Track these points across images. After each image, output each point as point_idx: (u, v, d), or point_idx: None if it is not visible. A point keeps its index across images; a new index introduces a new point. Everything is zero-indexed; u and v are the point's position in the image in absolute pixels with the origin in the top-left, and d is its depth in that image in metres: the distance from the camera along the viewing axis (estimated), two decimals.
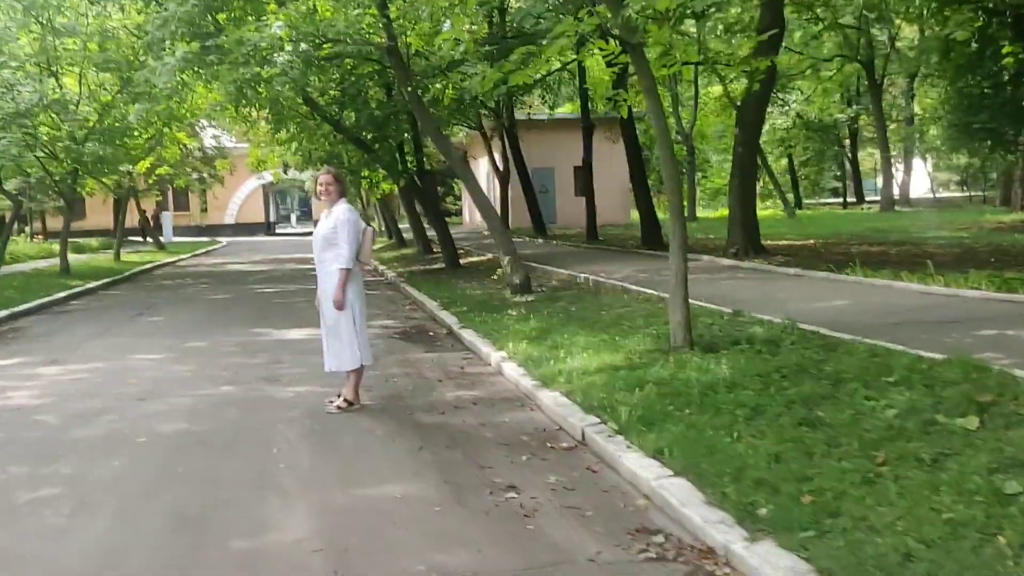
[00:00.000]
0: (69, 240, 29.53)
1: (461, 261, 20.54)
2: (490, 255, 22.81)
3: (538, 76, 17.99)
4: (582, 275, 15.18)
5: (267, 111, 22.05)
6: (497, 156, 34.71)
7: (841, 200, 55.19)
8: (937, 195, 59.47)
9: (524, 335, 9.59)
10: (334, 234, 7.18)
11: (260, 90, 19.50)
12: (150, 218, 47.67)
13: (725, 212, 44.85)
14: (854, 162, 53.50)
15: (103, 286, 20.63)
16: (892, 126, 45.99)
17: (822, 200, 60.69)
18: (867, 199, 54.68)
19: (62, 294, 17.91)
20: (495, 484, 5.26)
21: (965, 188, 66.25)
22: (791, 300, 11.11)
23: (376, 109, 18.77)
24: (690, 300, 10.89)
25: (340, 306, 7.19)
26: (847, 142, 52.19)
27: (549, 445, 6.05)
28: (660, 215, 26.31)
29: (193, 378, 8.94)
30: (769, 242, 21.83)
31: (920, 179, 68.38)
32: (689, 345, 7.88)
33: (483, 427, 6.61)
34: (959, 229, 23.87)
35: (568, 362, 7.88)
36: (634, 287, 12.93)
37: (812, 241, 21.51)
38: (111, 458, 6.13)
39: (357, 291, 7.35)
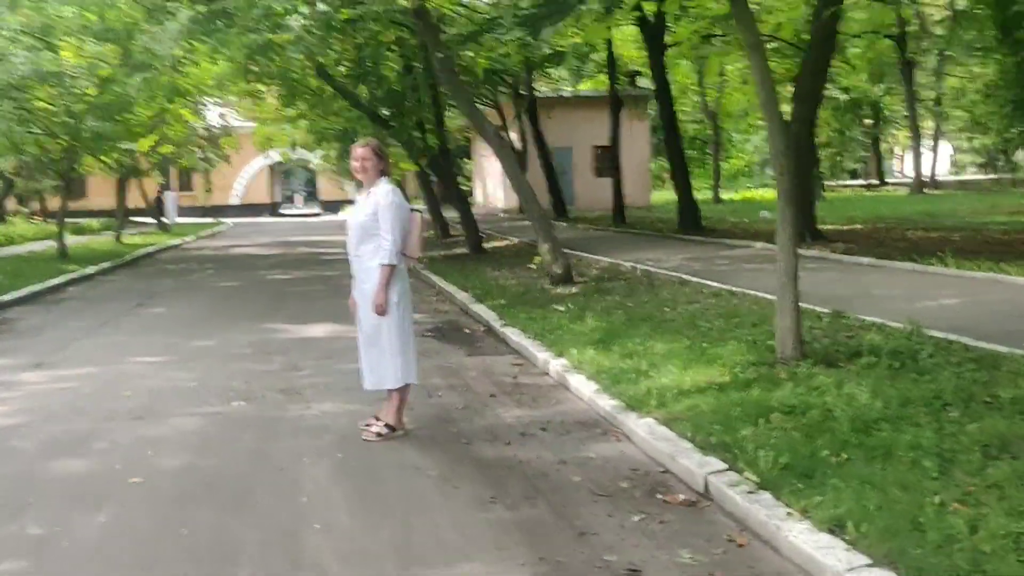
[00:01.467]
0: (69, 221, 28.26)
1: (484, 245, 19.13)
2: (515, 239, 21.43)
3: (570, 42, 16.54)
4: (627, 263, 13.80)
5: (277, 84, 20.69)
6: (514, 135, 33.29)
7: (863, 182, 53.59)
8: (960, 177, 57.79)
9: (585, 338, 8.22)
10: (374, 222, 5.79)
11: (272, 59, 18.14)
12: (161, 199, 46.51)
13: (747, 194, 43.53)
14: (875, 143, 51.95)
15: (102, 271, 19.26)
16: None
17: (841, 182, 59.12)
18: (888, 182, 53.24)
19: (57, 280, 16.55)
20: (609, 565, 3.89)
21: (987, 170, 64.82)
22: (889, 297, 9.74)
23: (395, 83, 17.32)
24: (764, 295, 9.56)
25: (381, 311, 5.82)
26: (868, 122, 50.69)
27: (661, 497, 4.67)
28: (664, 197, 25.10)
29: (199, 389, 7.58)
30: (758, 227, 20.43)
31: (941, 161, 67.00)
32: (800, 356, 6.50)
33: (564, 466, 5.24)
34: (1013, 212, 22.42)
35: (654, 377, 6.51)
36: (693, 278, 11.55)
37: (859, 226, 20.08)
38: (95, 510, 4.77)
39: (402, 293, 5.96)
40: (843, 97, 42.47)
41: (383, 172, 5.93)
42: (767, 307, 9.09)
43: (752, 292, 10.00)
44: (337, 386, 7.52)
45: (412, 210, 5.98)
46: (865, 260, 12.83)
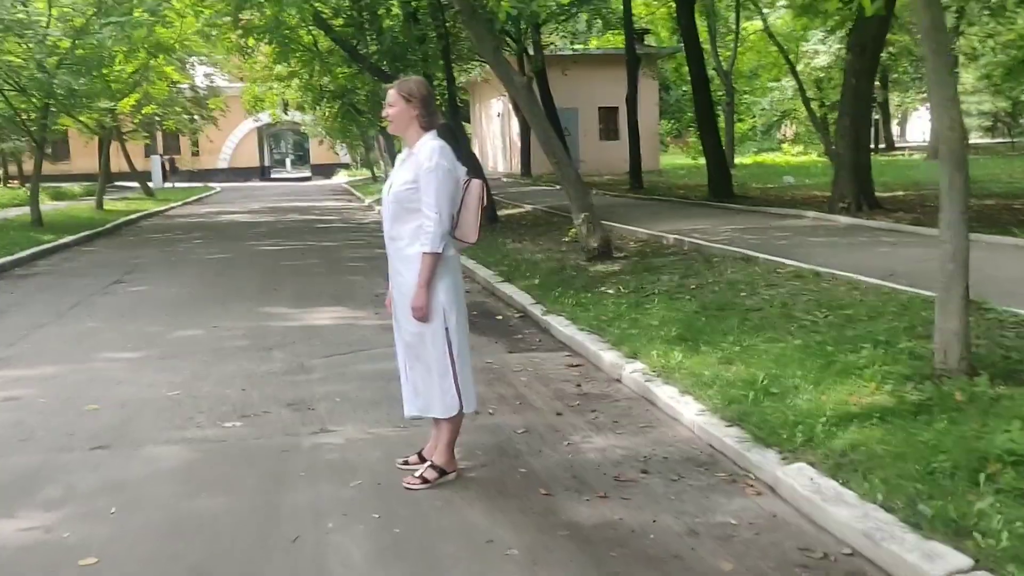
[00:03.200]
0: (49, 186, 26.47)
1: (498, 213, 17.49)
2: (528, 206, 19.82)
3: None
4: (668, 235, 12.20)
5: (267, 40, 18.92)
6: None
7: (872, 146, 51.92)
8: (971, 141, 56.14)
9: (658, 332, 6.67)
10: (413, 193, 4.21)
11: (262, 5, 16.39)
12: (165, 162, 45.22)
13: (756, 158, 41.86)
14: (885, 106, 50.21)
15: (79, 240, 17.60)
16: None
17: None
18: (898, 146, 51.62)
19: (27, 252, 14.91)
20: None
21: (993, 134, 63.18)
22: (1018, 280, 8.17)
23: (399, 33, 15.59)
24: (861, 277, 8.03)
25: (422, 315, 4.26)
26: (875, 84, 48.86)
27: None
28: (682, 161, 23.33)
29: (183, 400, 6.00)
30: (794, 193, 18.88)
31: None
32: (970, 369, 4.95)
33: (698, 540, 3.70)
34: None
35: (779, 394, 4.96)
36: (756, 254, 9.98)
37: (900, 193, 18.51)
38: None
39: (453, 290, 4.37)
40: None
41: (426, 124, 4.32)
42: (871, 294, 7.55)
43: (842, 273, 8.43)
44: (358, 397, 5.97)
45: (468, 176, 4.38)
46: None
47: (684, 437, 4.96)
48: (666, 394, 5.43)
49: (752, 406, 4.85)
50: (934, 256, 5.17)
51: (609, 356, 6.41)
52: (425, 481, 4.36)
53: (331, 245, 16.05)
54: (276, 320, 8.87)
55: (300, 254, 14.76)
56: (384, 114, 4.33)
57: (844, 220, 13.31)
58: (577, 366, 6.67)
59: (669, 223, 13.94)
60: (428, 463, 4.44)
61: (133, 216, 23.75)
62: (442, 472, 4.41)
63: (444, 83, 16.56)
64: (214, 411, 5.74)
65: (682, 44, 37.87)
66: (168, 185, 43.24)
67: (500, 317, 8.74)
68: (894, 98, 58.33)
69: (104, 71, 20.59)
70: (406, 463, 4.61)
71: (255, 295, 10.51)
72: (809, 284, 8.15)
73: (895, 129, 72.84)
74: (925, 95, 60.71)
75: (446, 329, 4.28)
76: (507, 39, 26.37)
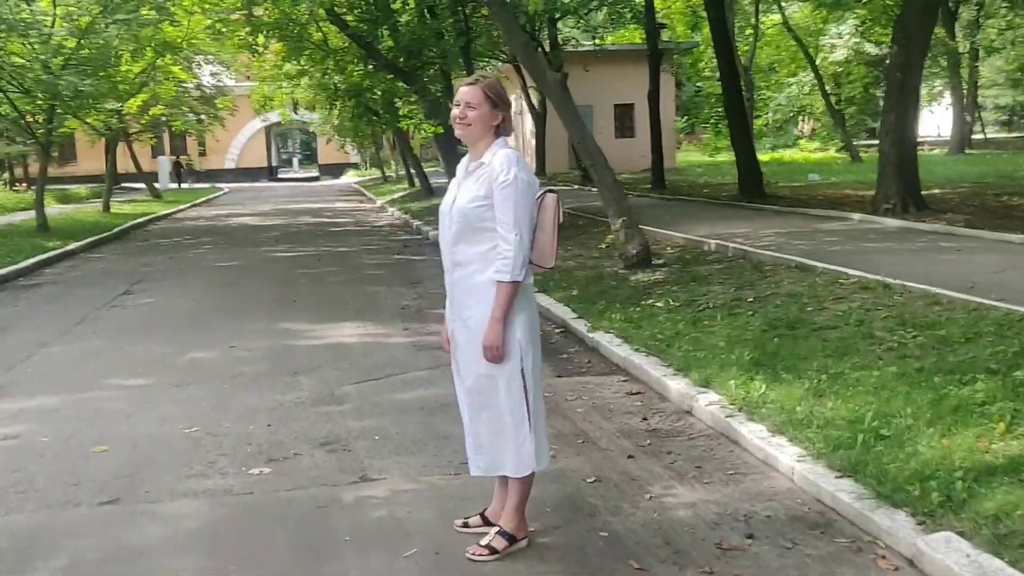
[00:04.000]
0: (56, 188, 25.83)
1: None
2: None
3: None
4: (707, 240, 11.51)
5: (277, 37, 18.28)
6: (533, 94, 30.90)
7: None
8: (988, 136, 55.24)
9: (727, 355, 5.99)
10: (486, 210, 3.54)
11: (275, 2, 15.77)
12: (183, 164, 44.95)
13: (774, 155, 41.06)
14: None
15: (86, 247, 16.99)
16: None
17: (862, 142, 56.50)
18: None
19: (32, 260, 14.30)
20: None
21: (1009, 129, 62.24)
22: None
23: (417, 28, 14.91)
24: (938, 290, 7.34)
25: (496, 355, 3.58)
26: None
27: None
28: (697, 158, 22.56)
29: (202, 440, 5.34)
30: (828, 191, 18.20)
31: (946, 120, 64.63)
32: None
33: None
34: None
35: (893, 438, 4.28)
36: (811, 262, 9.28)
37: (936, 191, 17.77)
38: None
39: (530, 325, 3.70)
40: (875, 51, 39.89)
41: (500, 129, 3.65)
42: (958, 310, 6.84)
43: (914, 285, 7.72)
44: (399, 435, 5.31)
45: (545, 191, 3.71)
46: (1016, 237, 10.49)
47: (784, 489, 4.28)
48: (753, 433, 4.75)
49: (863, 452, 4.18)
50: (1013, 265, 4.48)
51: (676, 384, 5.74)
52: (493, 551, 3.69)
53: (347, 251, 15.40)
54: (298, 338, 8.21)
55: (316, 261, 14.11)
56: (456, 116, 3.63)
57: (892, 222, 12.59)
58: (637, 394, 5.99)
59: (704, 226, 13.24)
60: (496, 529, 3.77)
61: (141, 220, 23.12)
62: (512, 539, 3.73)
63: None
64: (238, 453, 5.08)
65: (697, 38, 37.47)
66: (185, 186, 43.03)
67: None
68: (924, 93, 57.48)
69: (110, 71, 19.95)
70: (466, 525, 3.95)
71: (272, 308, 9.86)
72: (881, 298, 7.45)
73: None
74: (939, 89, 59.98)
75: (522, 371, 3.61)
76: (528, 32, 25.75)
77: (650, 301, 8.21)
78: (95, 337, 8.58)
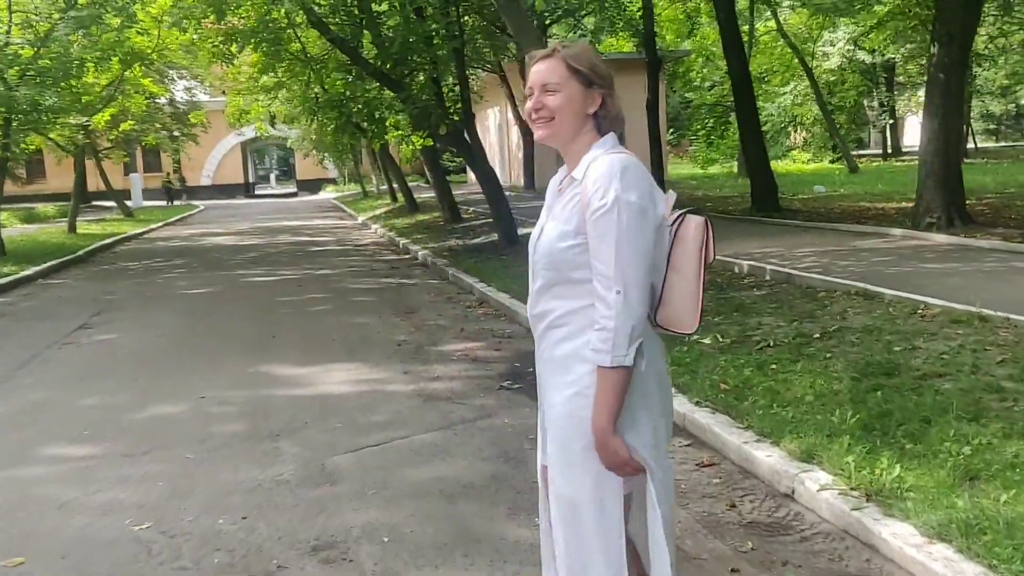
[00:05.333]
0: (21, 207, 24.47)
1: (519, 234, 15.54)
2: None
3: None
4: (741, 261, 10.28)
5: (252, 45, 16.97)
6: (520, 104, 29.73)
7: (876, 152, 50.29)
8: (977, 145, 54.60)
9: (822, 415, 4.74)
10: (579, 252, 2.30)
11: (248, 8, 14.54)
12: (174, 181, 43.77)
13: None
14: (892, 110, 48.45)
15: (46, 271, 15.63)
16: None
17: (853, 152, 55.61)
18: (905, 151, 49.91)
19: None
20: None
21: (997, 138, 61.62)
22: None
23: (405, 31, 13.66)
24: None
25: (612, 459, 2.29)
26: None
27: None
28: (687, 170, 21.42)
29: (155, 543, 4.04)
30: (902, 204, 17.11)
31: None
32: None
33: None
34: None
35: None
36: (873, 287, 8.08)
37: (970, 201, 16.66)
38: None
39: (651, 426, 2.37)
40: (869, 59, 39.04)
41: (601, 120, 2.39)
42: None
43: (1018, 317, 6.52)
44: (414, 534, 4.03)
45: (684, 214, 2.42)
46: None
47: None
48: (899, 538, 3.51)
49: None
50: None
51: (765, 455, 4.48)
52: None
53: (331, 273, 14.10)
54: (279, 385, 6.91)
55: (297, 286, 12.79)
56: (531, 109, 2.37)
57: (940, 238, 11.40)
58: (711, 466, 4.74)
59: (725, 244, 12.02)
60: None
61: (108, 240, 21.71)
62: None
63: (456, 88, 14.67)
64: (203, 566, 3.78)
65: (687, 46, 36.40)
66: (179, 203, 42.02)
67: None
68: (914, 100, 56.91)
69: (73, 83, 18.58)
70: None
71: (249, 345, 8.55)
72: (983, 334, 6.24)
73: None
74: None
75: (651, 486, 2.36)
76: (511, 43, 24.59)
77: (694, 336, 6.97)
78: (37, 387, 7.24)
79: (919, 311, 7.05)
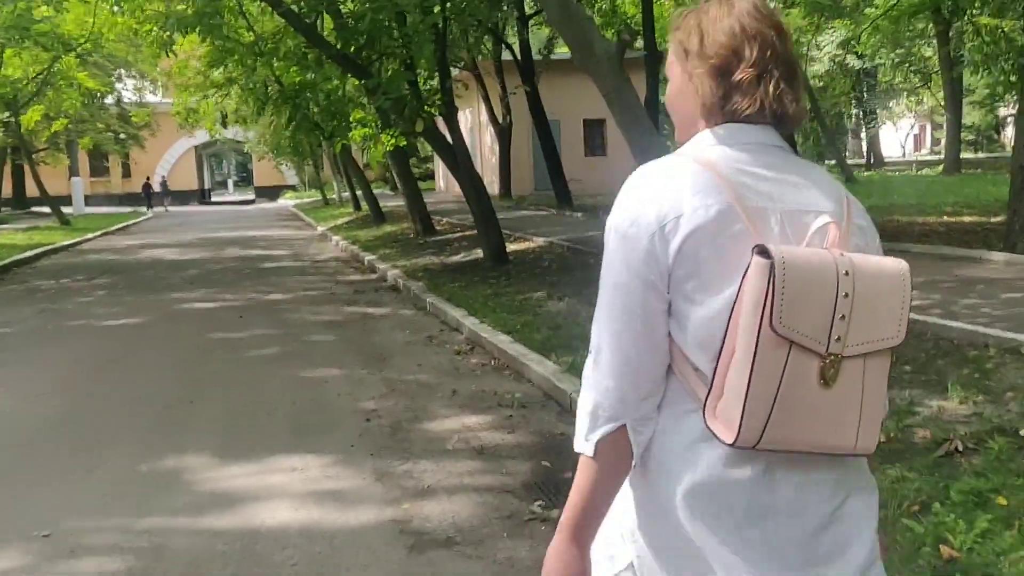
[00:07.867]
0: None
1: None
2: (538, 239, 15.52)
3: None
4: None
5: (197, 32, 14.39)
6: (496, 105, 27.44)
7: (864, 161, 48.50)
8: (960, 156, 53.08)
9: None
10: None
11: None
12: (154, 185, 41.26)
13: None
14: (873, 119, 46.74)
15: None
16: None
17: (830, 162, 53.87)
18: (886, 161, 48.26)
19: None
20: None
21: (975, 149, 60.31)
22: None
23: (373, 7, 11.21)
24: None
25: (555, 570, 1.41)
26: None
27: None
28: None
29: None
30: (953, 220, 14.96)
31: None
32: None
33: None
34: None
35: None
36: (1006, 334, 5.74)
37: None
38: None
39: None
40: (858, 65, 37.12)
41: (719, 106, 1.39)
42: None
43: None
44: None
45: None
46: None
47: None
48: None
49: None
50: None
51: None
52: None
53: (282, 300, 11.58)
54: (184, 511, 4.41)
55: (238, 319, 10.29)
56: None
57: None
58: None
59: None
60: None
61: (29, 253, 18.94)
62: None
63: (436, 75, 12.21)
64: None
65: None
66: (162, 209, 39.57)
67: None
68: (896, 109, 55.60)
69: None
70: None
71: (156, 418, 6.04)
72: None
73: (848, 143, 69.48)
74: (903, 107, 58.01)
75: None
76: (487, 37, 22.27)
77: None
78: None
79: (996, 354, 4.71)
